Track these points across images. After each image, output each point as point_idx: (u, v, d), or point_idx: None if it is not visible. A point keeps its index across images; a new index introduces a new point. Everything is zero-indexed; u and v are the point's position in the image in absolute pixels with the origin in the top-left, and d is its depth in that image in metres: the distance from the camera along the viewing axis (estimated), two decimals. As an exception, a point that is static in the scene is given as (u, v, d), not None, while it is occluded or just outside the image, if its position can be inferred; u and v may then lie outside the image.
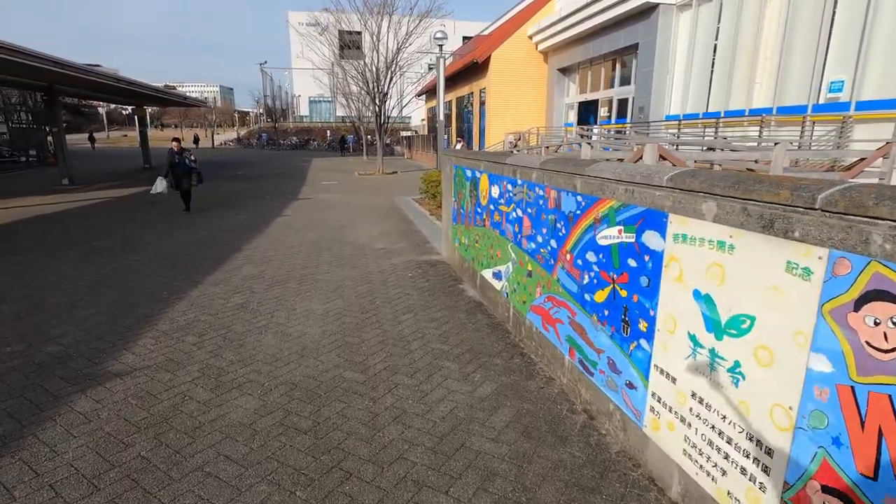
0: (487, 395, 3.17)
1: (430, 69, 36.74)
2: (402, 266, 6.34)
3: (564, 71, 21.50)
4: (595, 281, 2.79)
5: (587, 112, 21.78)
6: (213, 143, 45.51)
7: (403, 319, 4.51)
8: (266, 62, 56.27)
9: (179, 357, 3.75)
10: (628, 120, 17.34)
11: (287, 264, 6.42)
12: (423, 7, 19.66)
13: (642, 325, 2.36)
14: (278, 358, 3.74)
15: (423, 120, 43.27)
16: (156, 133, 78.61)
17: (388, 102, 20.61)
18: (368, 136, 32.06)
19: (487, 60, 22.14)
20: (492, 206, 4.65)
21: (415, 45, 20.42)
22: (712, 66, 13.78)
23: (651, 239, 2.27)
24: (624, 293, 2.51)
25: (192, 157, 10.72)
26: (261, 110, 54.57)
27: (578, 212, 2.96)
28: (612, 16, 16.33)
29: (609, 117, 18.52)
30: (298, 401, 3.12)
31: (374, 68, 19.77)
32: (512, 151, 17.38)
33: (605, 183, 2.66)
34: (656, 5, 14.81)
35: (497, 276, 4.56)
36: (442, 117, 17.08)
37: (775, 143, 7.19)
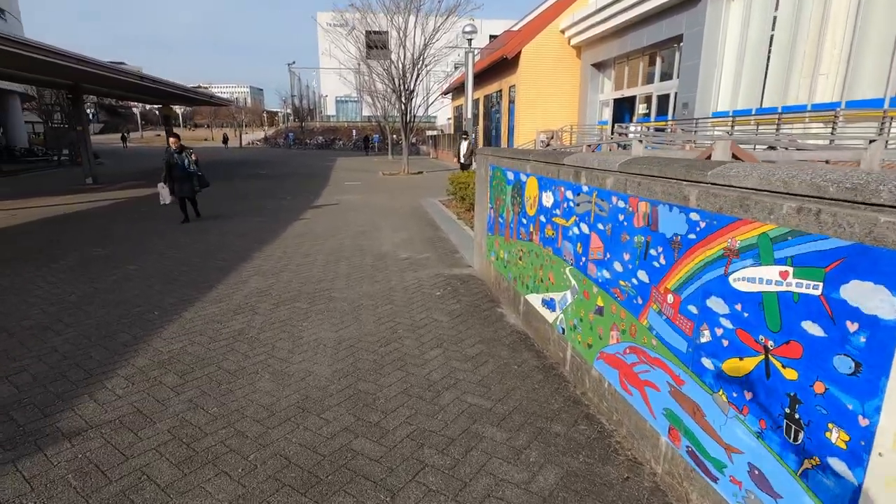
0: (550, 489, 2.25)
1: (457, 68, 35.81)
2: (428, 281, 5.46)
3: (599, 66, 20.29)
4: (725, 342, 1.84)
5: (622, 109, 20.54)
6: (240, 143, 45.62)
7: (431, 357, 3.62)
8: (294, 62, 56.29)
9: (151, 408, 2.94)
10: (670, 117, 16.09)
11: (300, 277, 5.61)
12: (451, 2, 18.66)
13: (837, 438, 1.41)
14: (273, 412, 2.89)
15: (448, 119, 42.42)
16: (186, 133, 80.00)
17: (414, 101, 19.79)
18: (394, 136, 31.39)
19: (517, 56, 21.10)
20: (542, 218, 3.72)
21: (442, 40, 19.54)
22: (768, 58, 12.48)
23: (867, 297, 1.31)
24: (791, 374, 1.55)
25: (194, 157, 9.14)
26: (288, 110, 54.58)
27: (692, 236, 2.00)
28: (654, 6, 15.12)
29: (648, 114, 17.28)
30: (289, 490, 2.26)
31: (400, 65, 18.98)
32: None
33: (750, 196, 1.70)
34: (704, -8, 13.56)
35: (548, 304, 3.63)
36: (470, 115, 16.16)
37: (871, 141, 6.03)
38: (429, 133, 39.75)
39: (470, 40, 15.80)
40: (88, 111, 71.05)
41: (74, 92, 14.78)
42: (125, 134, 46.09)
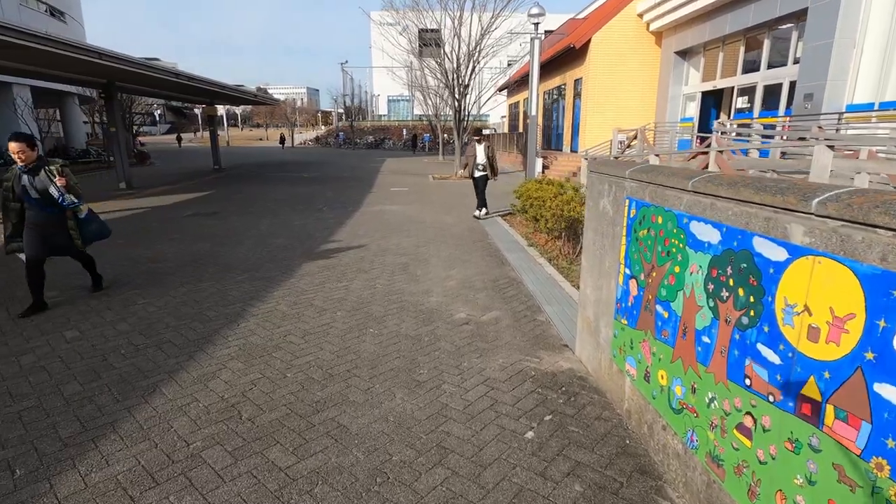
0: None
1: (510, 65, 33.15)
2: (506, 387, 3.19)
3: (684, 54, 17.21)
4: None
5: (708, 104, 17.39)
6: (292, 143, 45.07)
7: None
8: (347, 62, 55.34)
9: None
10: (781, 112, 12.97)
11: (296, 369, 3.47)
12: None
13: None
14: None
15: (503, 117, 39.89)
16: (244, 133, 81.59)
17: (468, 97, 17.53)
18: (445, 135, 29.26)
19: (587, 45, 18.34)
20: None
21: (501, 28, 17.14)
22: (940, 32, 9.31)
23: None
24: None
25: (61, 180, 4.36)
26: (340, 109, 53.80)
27: None
28: (768, -25, 12.08)
29: (750, 109, 14.17)
30: None
31: (454, 57, 16.76)
32: (622, 153, 13.61)
33: None
34: (845, -49, 10.45)
35: None
36: (535, 111, 13.69)
37: None
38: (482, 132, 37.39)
39: (536, 24, 13.32)
40: (156, 113, 73.73)
41: (107, 90, 13.56)
42: (180, 135, 46.81)
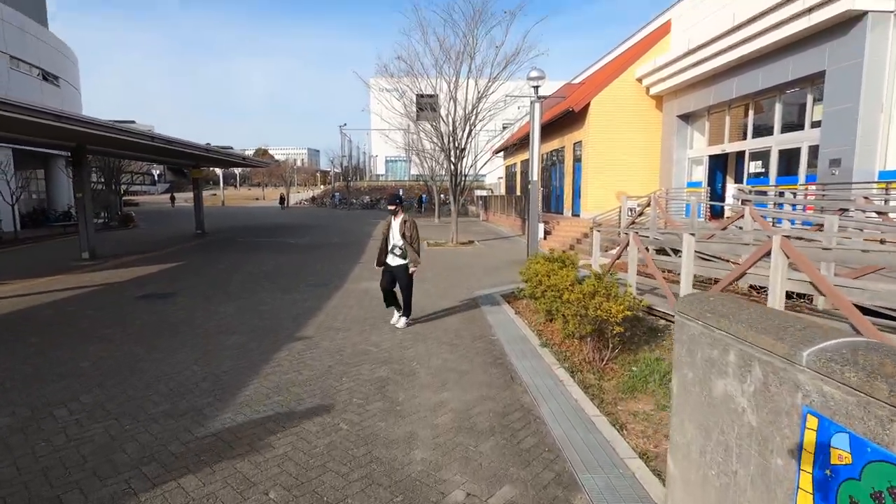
0: None
1: (505, 128, 33.06)
2: None
3: (687, 118, 16.55)
4: None
5: (715, 168, 16.54)
6: (287, 203, 44.42)
7: None
8: (346, 124, 56.11)
9: None
10: (802, 178, 11.95)
11: None
12: (509, 49, 15.73)
13: None
14: None
15: (499, 178, 39.55)
16: (241, 192, 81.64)
17: (464, 160, 16.66)
18: (441, 195, 28.46)
19: (586, 108, 17.76)
20: None
21: (498, 92, 16.54)
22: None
23: None
24: None
25: None
26: (338, 170, 53.84)
27: None
28: (776, 39, 11.44)
29: (765, 174, 13.20)
30: None
31: (450, 120, 16.01)
32: (633, 222, 12.41)
33: None
34: (863, 14, 9.78)
35: None
36: (536, 176, 12.65)
37: None
38: (478, 193, 36.78)
39: (536, 87, 12.57)
40: (155, 172, 74.00)
41: (76, 154, 12.49)
42: (173, 195, 46.35)
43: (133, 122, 15.15)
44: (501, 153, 32.26)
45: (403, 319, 6.69)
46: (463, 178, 17.02)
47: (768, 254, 4.82)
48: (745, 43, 12.43)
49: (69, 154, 12.37)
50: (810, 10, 10.43)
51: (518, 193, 27.34)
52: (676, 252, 9.47)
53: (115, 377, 4.83)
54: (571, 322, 5.09)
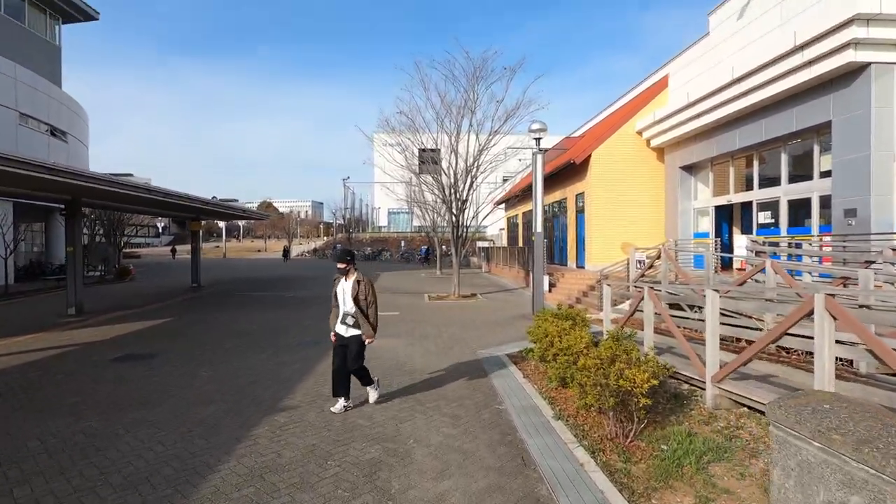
0: None
1: (506, 180, 33.29)
2: None
3: (690, 169, 16.43)
4: None
5: (720, 218, 16.22)
6: (289, 256, 44.20)
7: None
8: (349, 177, 57.05)
9: None
10: (815, 229, 11.55)
11: None
12: (510, 103, 15.86)
13: None
14: None
15: (501, 229, 39.47)
16: (243, 244, 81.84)
17: (465, 211, 16.41)
18: (443, 247, 28.17)
19: (587, 161, 17.72)
20: None
21: (500, 144, 16.56)
22: None
23: None
24: None
25: None
26: (341, 221, 54.12)
27: None
28: (779, 90, 11.38)
29: (775, 224, 12.81)
30: None
31: (451, 172, 15.90)
32: (643, 275, 11.89)
33: None
34: (866, 65, 9.72)
35: None
36: (540, 228, 12.28)
37: None
38: (479, 244, 36.54)
39: (538, 139, 12.47)
40: (159, 225, 74.63)
41: (70, 207, 12.24)
42: (175, 247, 46.38)
43: (131, 174, 15.02)
44: (503, 205, 32.31)
45: (373, 393, 5.65)
46: (465, 230, 16.71)
47: (809, 313, 4.27)
48: (745, 95, 12.42)
49: (63, 207, 12.08)
50: (810, 62, 10.42)
51: (520, 245, 27.04)
52: (692, 308, 8.90)
53: (65, 461, 4.16)
54: (590, 393, 4.46)
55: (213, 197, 18.66)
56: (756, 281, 8.69)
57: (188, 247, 65.70)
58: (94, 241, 24.57)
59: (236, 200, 18.27)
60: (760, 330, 6.36)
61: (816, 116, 10.89)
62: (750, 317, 6.74)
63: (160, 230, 71.07)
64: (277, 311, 12.97)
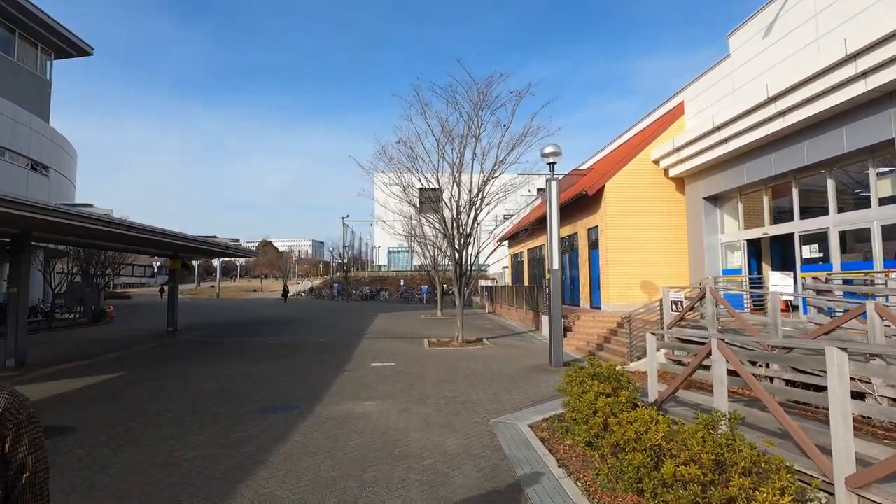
0: None
1: (506, 218, 31.92)
2: None
3: (715, 199, 14.92)
4: None
5: (749, 254, 14.56)
6: (286, 297, 42.25)
7: None
8: (348, 216, 55.94)
9: None
10: (878, 263, 9.86)
11: None
12: (517, 130, 14.51)
13: None
14: None
15: (504, 268, 37.79)
16: (239, 284, 79.89)
17: (469, 247, 14.78)
18: (444, 285, 26.38)
19: (600, 192, 16.25)
20: None
21: (506, 174, 15.13)
22: None
23: None
24: None
25: None
26: (340, 260, 52.57)
27: None
28: (826, 108, 9.98)
29: (824, 259, 11.13)
30: None
31: (453, 205, 14.39)
32: (681, 318, 9.99)
33: None
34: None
35: None
36: (557, 264, 10.59)
37: None
38: (482, 283, 34.74)
39: (552, 164, 11.00)
40: (154, 265, 72.95)
41: (18, 242, 10.61)
42: (163, 287, 44.82)
43: (90, 205, 13.53)
44: (506, 242, 30.77)
45: None
46: (469, 268, 15.01)
47: None
48: (781, 116, 11.03)
49: (8, 242, 10.46)
50: (864, 74, 9.04)
51: (527, 283, 25.27)
52: (755, 363, 7.10)
53: None
54: (628, 469, 2.62)
55: (214, 236, 17.09)
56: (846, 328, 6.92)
57: (185, 286, 63.66)
58: (71, 281, 22.85)
59: (215, 237, 16.67)
60: None
61: (873, 135, 9.42)
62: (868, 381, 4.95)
63: (156, 270, 69.39)
64: (253, 363, 11.09)
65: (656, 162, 16.29)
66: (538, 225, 15.88)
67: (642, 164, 16.39)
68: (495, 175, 14.22)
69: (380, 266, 70.44)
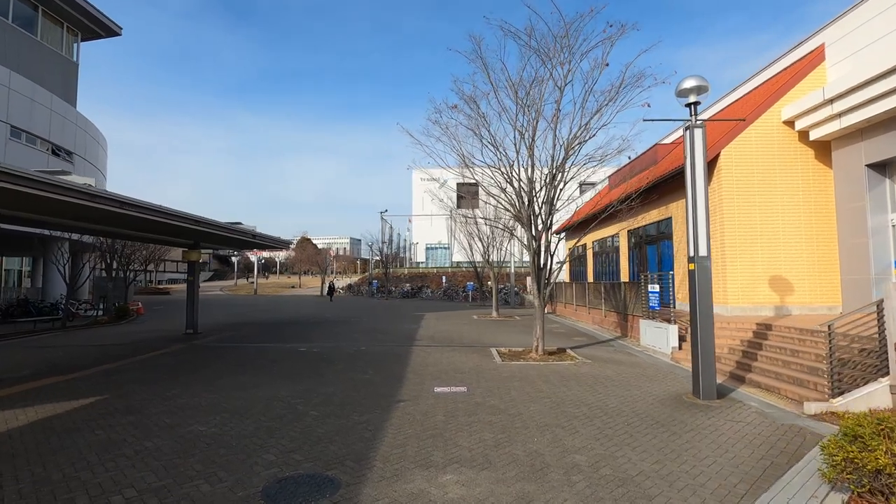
0: None
1: (583, 191, 28.10)
2: None
3: (884, 167, 11.00)
4: None
5: (928, 240, 10.54)
6: (321, 292, 39.94)
7: None
8: (387, 210, 53.44)
9: None
10: None
11: None
12: (615, 75, 10.82)
13: None
14: None
15: (558, 263, 33.96)
16: (278, 280, 78.81)
17: (550, 230, 11.45)
18: (500, 284, 23.02)
19: (713, 162, 12.56)
20: None
21: (598, 136, 11.66)
22: None
23: None
24: None
25: None
26: (378, 257, 50.14)
27: None
28: None
29: None
30: None
31: (525, 175, 11.10)
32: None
33: None
34: None
35: None
36: (705, 248, 7.14)
37: None
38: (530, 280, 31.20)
39: (694, 104, 7.52)
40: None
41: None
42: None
43: (67, 172, 11.15)
44: (563, 234, 27.14)
45: None
46: (549, 257, 11.69)
47: None
48: None
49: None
50: None
51: (590, 280, 21.66)
52: None
53: None
54: None
55: (238, 223, 14.48)
56: None
57: (230, 283, 62.76)
58: (93, 275, 20.93)
59: (240, 223, 13.97)
60: None
61: None
62: None
63: (209, 265, 69.17)
64: (274, 384, 8.14)
65: (789, 123, 12.41)
66: (603, 214, 12.40)
67: (768, 126, 12.55)
68: (586, 137, 10.78)
69: (418, 263, 67.82)
